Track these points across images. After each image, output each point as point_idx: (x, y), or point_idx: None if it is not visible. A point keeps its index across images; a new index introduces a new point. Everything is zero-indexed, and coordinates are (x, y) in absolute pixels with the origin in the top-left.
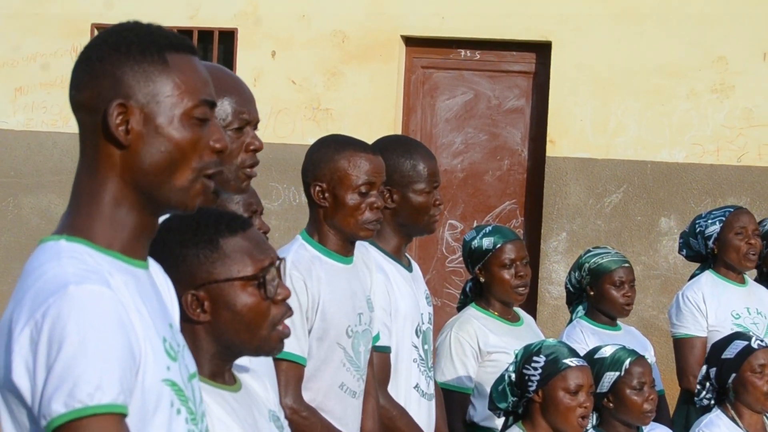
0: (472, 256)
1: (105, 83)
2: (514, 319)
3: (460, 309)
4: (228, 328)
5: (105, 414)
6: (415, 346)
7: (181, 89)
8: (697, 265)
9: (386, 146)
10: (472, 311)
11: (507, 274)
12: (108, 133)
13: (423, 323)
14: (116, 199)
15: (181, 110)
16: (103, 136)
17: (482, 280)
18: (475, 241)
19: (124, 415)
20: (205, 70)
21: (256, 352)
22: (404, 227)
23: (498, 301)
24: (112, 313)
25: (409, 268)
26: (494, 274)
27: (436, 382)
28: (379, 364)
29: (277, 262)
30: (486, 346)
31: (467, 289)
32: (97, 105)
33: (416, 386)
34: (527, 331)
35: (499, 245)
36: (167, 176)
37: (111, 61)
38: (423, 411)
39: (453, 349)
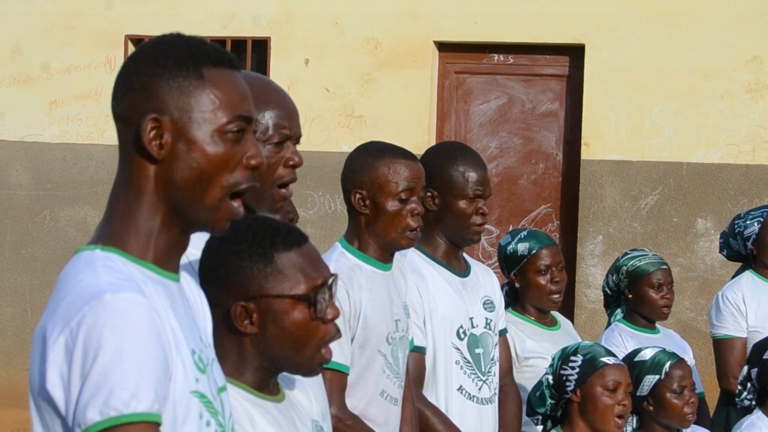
0: (508, 262)
1: (140, 96)
2: (551, 324)
3: None
4: (273, 342)
5: (140, 422)
6: (457, 348)
7: (216, 104)
8: (738, 265)
9: (437, 150)
10: (508, 316)
11: (542, 280)
12: (141, 147)
13: (472, 327)
14: (150, 212)
15: (215, 125)
16: (136, 149)
17: (517, 285)
18: (510, 246)
19: (158, 424)
20: (246, 85)
21: (296, 370)
22: (447, 233)
23: (532, 306)
24: (148, 321)
25: (462, 273)
26: (529, 279)
27: (512, 390)
28: (413, 364)
29: (330, 280)
30: (523, 352)
31: (504, 293)
32: (133, 118)
33: (460, 388)
34: (564, 336)
35: (534, 251)
36: (198, 193)
37: (147, 75)
38: (470, 415)
39: None
